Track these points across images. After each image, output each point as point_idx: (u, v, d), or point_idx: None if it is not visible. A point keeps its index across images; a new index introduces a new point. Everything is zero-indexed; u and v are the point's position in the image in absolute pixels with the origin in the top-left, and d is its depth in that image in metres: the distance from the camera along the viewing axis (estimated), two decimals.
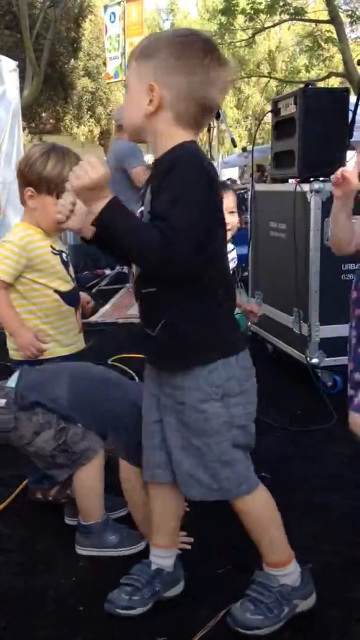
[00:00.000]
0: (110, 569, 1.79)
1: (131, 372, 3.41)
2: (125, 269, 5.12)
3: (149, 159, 6.15)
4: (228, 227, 2.14)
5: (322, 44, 14.83)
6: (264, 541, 1.56)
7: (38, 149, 2.01)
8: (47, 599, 1.68)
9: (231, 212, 2.21)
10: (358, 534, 1.86)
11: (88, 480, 1.84)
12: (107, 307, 5.32)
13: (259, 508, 1.55)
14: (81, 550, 1.88)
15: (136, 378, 3.31)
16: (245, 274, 4.06)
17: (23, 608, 1.65)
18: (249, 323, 3.90)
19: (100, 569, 1.82)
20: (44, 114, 23.23)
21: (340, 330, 3.01)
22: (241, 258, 5.14)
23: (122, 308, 5.20)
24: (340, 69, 16.30)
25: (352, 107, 3.31)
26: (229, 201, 2.18)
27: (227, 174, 9.35)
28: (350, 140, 3.25)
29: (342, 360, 3.02)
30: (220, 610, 1.60)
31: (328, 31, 14.41)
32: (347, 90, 3.26)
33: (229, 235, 2.14)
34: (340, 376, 3.04)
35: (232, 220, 2.21)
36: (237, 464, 1.50)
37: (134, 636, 1.54)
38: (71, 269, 2.15)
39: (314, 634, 1.54)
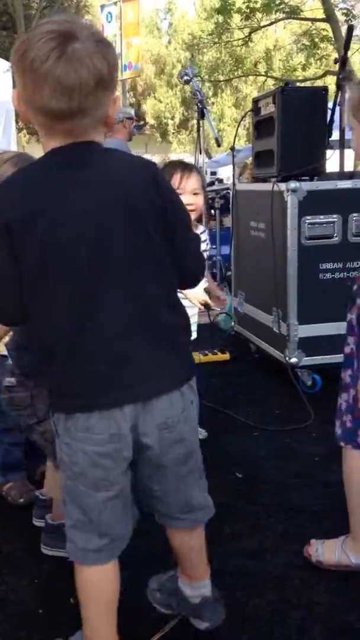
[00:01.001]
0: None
1: None
2: None
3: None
4: (192, 207, 2.13)
5: (318, 42, 14.76)
6: None
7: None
8: (7, 602, 1.68)
9: (195, 194, 2.19)
10: (324, 533, 1.85)
11: None
12: None
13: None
14: (47, 551, 1.88)
15: None
16: (229, 273, 4.05)
17: None
18: (232, 323, 3.92)
19: (64, 572, 1.81)
20: None
21: (318, 329, 3.02)
22: (225, 258, 5.15)
23: None
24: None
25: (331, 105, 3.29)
26: (192, 182, 2.19)
27: (224, 172, 9.36)
28: (329, 139, 3.24)
29: (320, 359, 3.03)
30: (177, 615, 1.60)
31: (324, 29, 14.36)
32: (325, 89, 3.24)
33: (194, 216, 2.12)
34: (319, 375, 3.03)
35: (196, 201, 2.19)
36: None
37: None
38: None
39: (275, 635, 1.54)
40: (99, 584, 1.33)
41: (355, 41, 18.94)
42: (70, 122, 1.17)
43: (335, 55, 15.18)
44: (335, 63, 3.28)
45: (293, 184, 2.90)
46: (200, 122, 4.92)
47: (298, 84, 14.30)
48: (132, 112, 5.74)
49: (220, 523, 1.93)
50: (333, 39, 13.65)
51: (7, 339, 1.97)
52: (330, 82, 15.89)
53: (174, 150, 24.97)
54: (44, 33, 1.14)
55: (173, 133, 26.93)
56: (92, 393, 1.20)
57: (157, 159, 10.56)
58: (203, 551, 1.47)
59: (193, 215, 2.08)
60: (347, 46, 3.26)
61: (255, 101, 3.54)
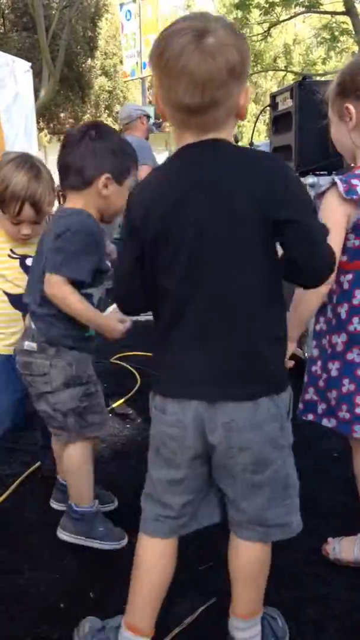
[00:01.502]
0: (94, 566, 1.81)
1: (133, 370, 3.43)
2: None
3: (159, 156, 6.16)
4: None
5: (338, 35, 14.63)
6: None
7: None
8: (28, 596, 1.71)
9: None
10: (340, 530, 1.84)
11: (81, 457, 1.83)
12: (114, 305, 5.34)
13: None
14: (65, 536, 1.87)
15: (138, 376, 3.33)
16: None
17: (4, 606, 1.68)
18: None
19: (85, 566, 1.83)
20: (62, 114, 23.41)
21: None
22: None
23: None
24: None
25: None
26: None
27: None
28: None
29: None
30: (199, 607, 1.61)
31: (344, 22, 14.22)
32: None
33: None
34: None
35: None
36: None
37: None
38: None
39: (291, 632, 1.54)
40: (152, 558, 1.42)
41: None
42: (205, 115, 1.21)
43: (355, 48, 15.06)
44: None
45: (311, 179, 2.88)
46: None
47: (318, 77, 14.20)
48: (148, 110, 5.76)
49: None
50: (353, 32, 13.53)
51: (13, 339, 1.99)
52: None
53: None
54: (177, 30, 1.19)
55: None
56: (169, 381, 1.32)
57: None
58: (258, 583, 1.43)
59: None
60: None
61: (273, 96, 3.52)
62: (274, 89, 26.17)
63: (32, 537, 1.98)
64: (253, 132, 3.58)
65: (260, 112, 3.97)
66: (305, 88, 3.16)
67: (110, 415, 2.90)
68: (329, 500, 2.11)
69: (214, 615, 1.58)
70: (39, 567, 1.83)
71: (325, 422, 1.71)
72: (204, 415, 1.28)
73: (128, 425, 2.82)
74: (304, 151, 3.14)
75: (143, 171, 5.24)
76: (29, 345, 1.76)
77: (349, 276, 1.60)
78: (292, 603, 1.64)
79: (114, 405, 3.00)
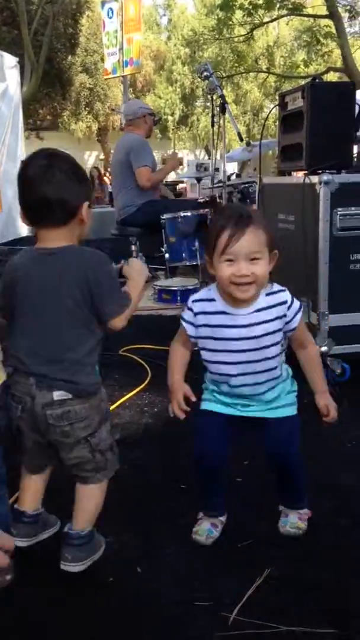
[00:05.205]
0: None
1: (142, 362, 3.48)
2: None
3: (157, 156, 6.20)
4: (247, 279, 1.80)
5: (321, 39, 14.85)
6: None
7: None
8: None
9: (253, 259, 2.16)
10: None
11: (105, 488, 1.80)
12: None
13: None
14: (79, 567, 1.72)
15: (148, 368, 3.38)
16: None
17: None
18: None
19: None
20: (41, 111, 23.24)
21: (348, 319, 3.09)
22: None
23: None
24: (339, 64, 16.36)
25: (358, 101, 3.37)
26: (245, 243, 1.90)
27: (229, 168, 9.41)
28: (357, 133, 3.32)
29: (350, 348, 3.11)
30: (249, 583, 1.67)
31: (327, 26, 14.44)
32: (353, 84, 3.32)
33: (252, 291, 1.86)
34: (349, 364, 3.11)
35: (253, 270, 2.05)
36: None
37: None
38: None
39: (337, 605, 1.61)
40: None
41: (357, 37, 19.05)
42: None
43: (338, 51, 15.29)
44: None
45: (326, 177, 2.97)
46: (219, 118, 5.00)
47: (300, 81, 14.36)
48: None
49: (269, 502, 2.01)
50: (336, 36, 13.75)
51: None
52: (332, 78, 15.98)
53: (174, 146, 24.98)
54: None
55: (173, 129, 26.97)
56: None
57: (156, 155, 10.56)
58: None
59: (251, 291, 1.70)
60: None
61: (282, 96, 3.61)
62: (255, 90, 26.37)
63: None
64: (263, 130, 3.63)
65: (270, 111, 4.06)
66: (317, 88, 3.26)
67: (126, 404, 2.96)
68: (353, 485, 2.19)
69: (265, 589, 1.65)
70: None
71: None
72: None
73: (146, 414, 2.87)
74: (315, 149, 3.23)
75: (142, 174, 5.29)
76: (61, 394, 1.65)
77: None
78: (331, 578, 1.71)
79: (128, 395, 3.05)
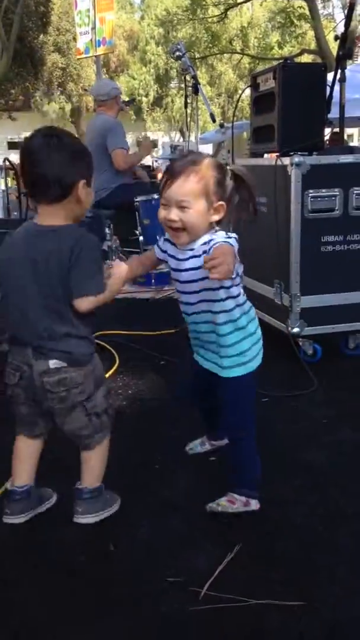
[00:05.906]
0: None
1: (111, 349, 3.44)
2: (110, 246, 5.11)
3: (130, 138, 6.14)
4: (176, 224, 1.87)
5: (295, 20, 14.81)
6: None
7: None
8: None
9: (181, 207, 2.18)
10: (341, 487, 1.97)
11: (107, 446, 1.92)
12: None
13: None
14: (90, 518, 1.86)
15: (116, 355, 3.36)
16: None
17: None
18: None
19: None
20: (13, 91, 22.84)
21: (319, 300, 3.13)
22: None
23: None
24: (313, 45, 16.32)
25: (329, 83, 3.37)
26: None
27: (205, 150, 9.38)
28: (328, 116, 3.33)
29: (322, 329, 3.16)
30: (220, 558, 1.71)
31: (300, 7, 14.40)
32: (325, 66, 3.32)
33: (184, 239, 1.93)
34: (320, 345, 3.15)
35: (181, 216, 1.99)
36: None
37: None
38: None
39: (305, 578, 1.65)
40: None
41: (330, 19, 19.01)
42: None
43: (311, 33, 15.25)
44: (336, 40, 3.36)
45: (297, 158, 2.98)
46: (192, 99, 4.99)
47: (273, 62, 14.30)
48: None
49: None
50: (310, 17, 13.73)
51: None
52: (306, 60, 15.96)
53: (149, 128, 24.80)
54: None
55: (147, 111, 26.73)
56: None
57: (130, 137, 10.43)
58: None
59: (183, 238, 1.77)
60: (347, 23, 3.34)
61: (254, 77, 3.60)
62: (229, 72, 26.20)
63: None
64: (235, 111, 3.63)
65: (242, 92, 4.05)
66: (289, 69, 3.26)
67: None
68: (327, 461, 2.24)
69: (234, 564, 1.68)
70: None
71: None
72: None
73: (121, 397, 2.88)
74: (287, 131, 3.24)
75: (119, 155, 5.24)
76: (56, 363, 1.75)
77: None
78: (301, 550, 1.75)
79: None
